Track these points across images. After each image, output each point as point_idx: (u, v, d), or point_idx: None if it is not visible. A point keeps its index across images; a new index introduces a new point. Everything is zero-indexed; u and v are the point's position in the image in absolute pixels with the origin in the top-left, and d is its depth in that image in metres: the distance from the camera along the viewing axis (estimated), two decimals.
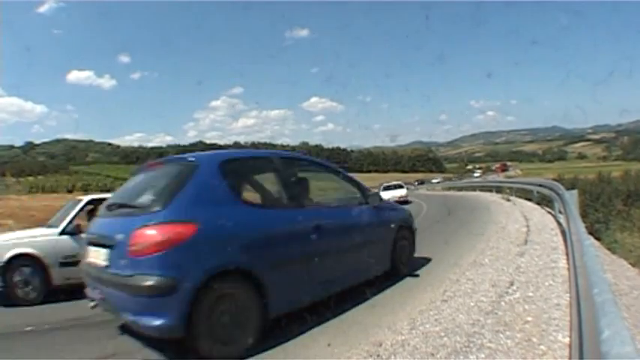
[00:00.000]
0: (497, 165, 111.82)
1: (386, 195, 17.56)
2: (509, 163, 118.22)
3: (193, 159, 3.24)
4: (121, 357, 3.15)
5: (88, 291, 3.30)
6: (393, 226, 4.55)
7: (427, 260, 5.31)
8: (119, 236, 2.83)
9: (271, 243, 3.18)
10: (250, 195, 3.63)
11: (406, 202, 18.28)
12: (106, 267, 2.92)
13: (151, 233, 2.68)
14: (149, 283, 2.58)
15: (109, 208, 3.34)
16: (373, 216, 4.29)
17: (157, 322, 2.62)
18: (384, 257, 4.39)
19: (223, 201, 3.06)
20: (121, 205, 3.26)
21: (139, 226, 2.73)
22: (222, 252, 2.84)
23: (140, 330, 2.77)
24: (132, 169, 4.51)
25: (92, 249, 3.21)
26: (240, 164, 3.58)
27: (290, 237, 3.36)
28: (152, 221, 2.73)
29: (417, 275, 4.73)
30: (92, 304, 3.27)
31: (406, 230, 4.81)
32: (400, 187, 21.99)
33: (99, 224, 3.38)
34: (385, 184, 22.83)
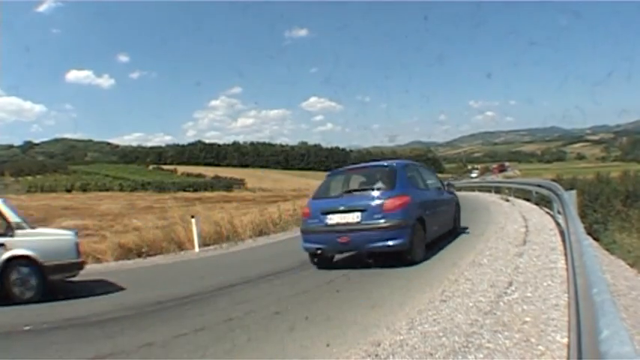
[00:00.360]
0: (495, 165, 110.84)
1: None
2: (507, 164, 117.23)
3: (388, 165, 6.05)
4: (118, 356, 3.15)
5: (309, 245, 5.64)
6: (454, 202, 7.63)
7: (467, 227, 7.87)
8: (373, 203, 5.25)
9: (426, 206, 5.91)
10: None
11: None
12: (359, 222, 5.21)
13: (395, 200, 5.22)
14: (397, 223, 5.10)
15: (348, 192, 5.76)
16: (449, 196, 7.38)
17: (397, 242, 5.08)
18: (451, 220, 7.27)
19: (410, 185, 5.78)
20: (358, 190, 5.80)
21: (387, 197, 5.25)
22: (417, 209, 5.55)
23: (380, 250, 5.22)
24: (329, 172, 6.80)
25: (338, 215, 5.39)
26: (408, 167, 6.31)
27: (429, 203, 6.10)
28: (392, 195, 5.27)
29: (468, 232, 7.48)
30: (319, 251, 5.59)
31: (457, 206, 7.83)
32: None
33: (344, 200, 5.53)
34: None
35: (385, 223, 5.08)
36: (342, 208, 5.38)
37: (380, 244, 5.10)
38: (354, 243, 5.26)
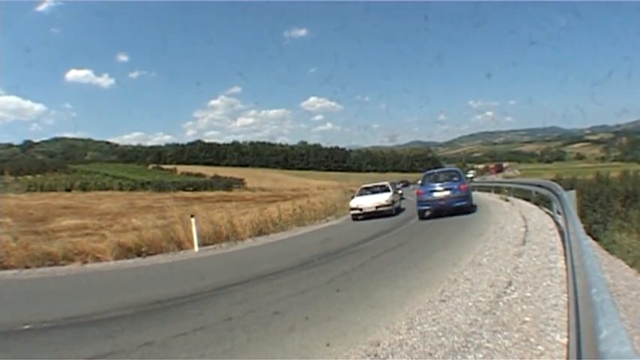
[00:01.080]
0: (492, 165, 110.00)
1: (360, 202, 13.67)
2: (506, 164, 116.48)
3: (455, 169, 13.51)
4: (118, 356, 3.15)
5: (422, 208, 11.53)
6: (471, 191, 13.14)
7: (477, 205, 12.29)
8: (454, 186, 11.36)
9: (470, 188, 12.48)
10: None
11: (390, 214, 13.10)
12: (449, 195, 11.22)
13: (463, 185, 11.60)
14: (465, 195, 11.46)
15: (440, 183, 11.57)
16: (470, 187, 12.79)
17: (466, 202, 11.31)
18: (472, 199, 12.05)
19: (465, 179, 12.44)
20: (444, 180, 11.74)
21: (460, 184, 11.45)
22: (469, 190, 12.07)
23: (455, 207, 11.07)
24: (425, 173, 13.34)
25: (438, 193, 11.25)
26: (461, 171, 13.59)
27: (470, 188, 12.60)
28: (461, 183, 11.55)
29: (479, 206, 12.40)
30: (427, 209, 11.58)
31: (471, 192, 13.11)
32: (385, 189, 14.85)
33: (440, 185, 11.42)
34: (364, 186, 15.89)
35: (461, 195, 11.03)
36: (440, 189, 11.18)
37: (458, 203, 10.95)
38: (446, 204, 10.98)
